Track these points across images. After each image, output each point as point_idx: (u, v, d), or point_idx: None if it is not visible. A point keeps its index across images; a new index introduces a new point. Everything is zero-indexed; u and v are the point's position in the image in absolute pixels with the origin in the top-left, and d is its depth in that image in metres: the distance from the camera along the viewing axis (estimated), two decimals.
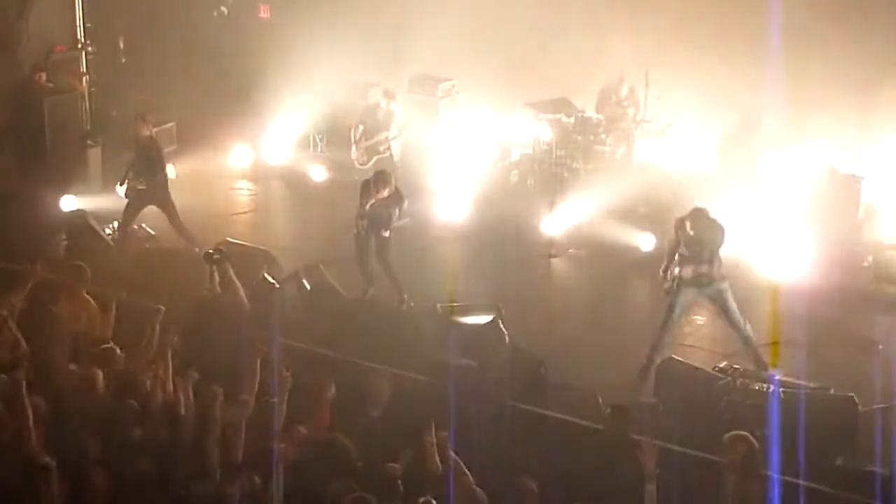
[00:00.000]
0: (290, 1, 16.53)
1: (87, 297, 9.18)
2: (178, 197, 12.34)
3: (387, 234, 11.02)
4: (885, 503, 7.42)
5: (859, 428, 8.49)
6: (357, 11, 16.11)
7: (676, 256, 9.75)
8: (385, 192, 10.98)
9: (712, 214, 9.74)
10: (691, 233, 9.62)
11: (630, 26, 14.56)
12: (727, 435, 7.23)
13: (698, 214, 9.69)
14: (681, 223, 9.75)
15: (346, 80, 15.95)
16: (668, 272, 9.82)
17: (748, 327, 9.82)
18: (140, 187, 12.10)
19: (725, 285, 9.75)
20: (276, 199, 14.39)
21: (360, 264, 11.24)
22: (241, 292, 9.66)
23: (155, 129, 12.64)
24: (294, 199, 14.45)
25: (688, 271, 9.66)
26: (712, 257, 9.66)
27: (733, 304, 9.79)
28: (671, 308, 9.79)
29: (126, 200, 12.30)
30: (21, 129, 14.06)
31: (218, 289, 9.94)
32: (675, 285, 9.73)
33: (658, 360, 9.58)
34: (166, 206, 12.18)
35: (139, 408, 7.40)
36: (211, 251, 10.23)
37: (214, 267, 9.89)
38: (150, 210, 12.44)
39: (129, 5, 16.39)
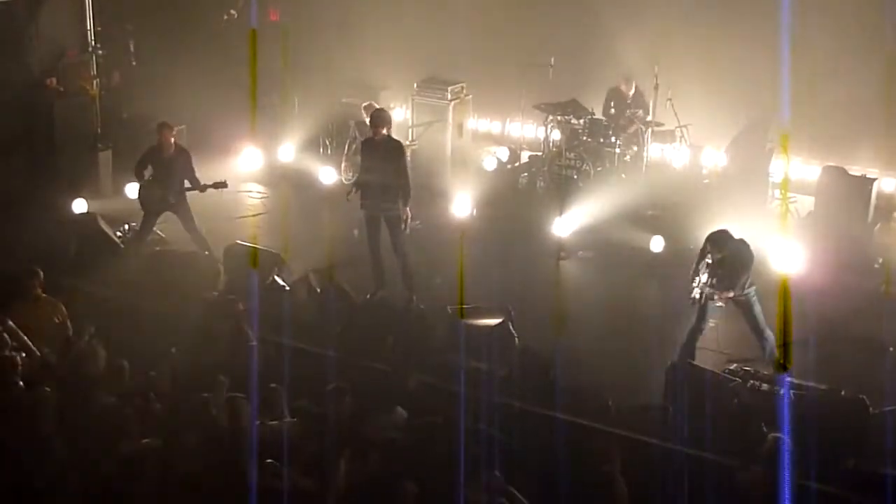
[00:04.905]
0: (301, 4, 16.55)
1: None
2: (188, 200, 12.33)
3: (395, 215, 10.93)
4: None
5: (870, 430, 8.46)
6: (366, 14, 16.14)
7: (705, 267, 9.68)
8: (383, 131, 10.92)
9: (736, 237, 9.65)
10: (717, 256, 9.58)
11: (639, 28, 14.57)
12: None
13: (720, 238, 9.63)
14: (709, 243, 9.68)
15: (355, 82, 15.98)
16: (696, 280, 9.73)
17: (769, 334, 9.76)
18: (172, 201, 12.08)
19: (752, 290, 9.74)
20: (285, 201, 14.39)
21: (372, 262, 11.24)
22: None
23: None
24: (304, 202, 14.46)
25: (713, 289, 9.63)
26: (738, 280, 9.60)
27: (759, 310, 9.75)
28: (701, 317, 9.77)
29: (139, 205, 12.32)
30: (32, 133, 14.10)
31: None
32: (702, 296, 9.66)
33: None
34: (185, 213, 12.17)
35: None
36: None
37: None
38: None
39: (139, 9, 16.42)
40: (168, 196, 12.03)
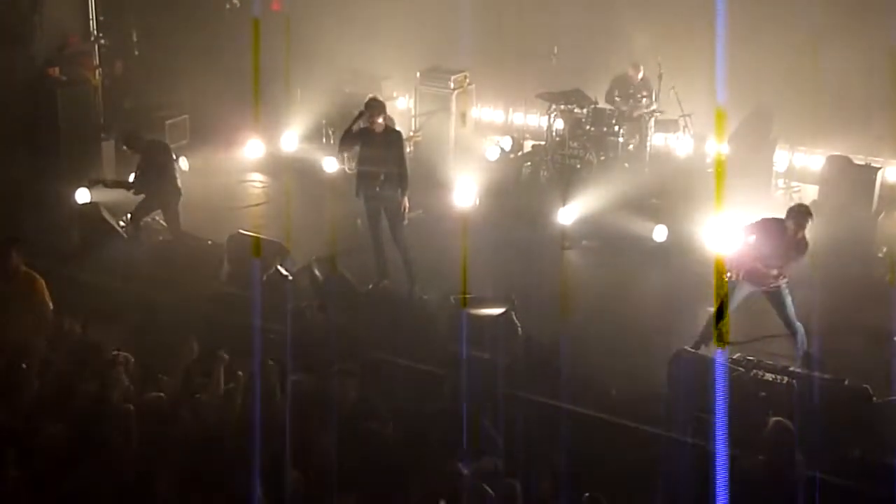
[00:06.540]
0: None
1: None
2: (190, 190, 12.33)
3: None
4: None
5: (874, 419, 8.45)
6: (369, 2, 16.10)
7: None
8: (379, 120, 10.80)
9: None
10: (773, 243, 9.32)
11: (643, 16, 14.52)
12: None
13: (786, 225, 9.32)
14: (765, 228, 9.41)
15: (358, 72, 15.95)
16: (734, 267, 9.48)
17: (800, 327, 9.63)
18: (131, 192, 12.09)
19: (784, 283, 9.51)
20: (288, 191, 14.37)
21: (375, 252, 11.23)
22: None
23: (169, 124, 12.58)
24: (306, 191, 14.43)
25: (753, 275, 9.45)
26: (783, 269, 9.43)
27: (789, 302, 9.54)
28: (728, 302, 9.52)
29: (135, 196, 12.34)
30: (34, 123, 14.07)
31: None
32: (736, 279, 9.46)
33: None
34: (169, 212, 12.13)
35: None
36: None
37: None
38: None
39: None
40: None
